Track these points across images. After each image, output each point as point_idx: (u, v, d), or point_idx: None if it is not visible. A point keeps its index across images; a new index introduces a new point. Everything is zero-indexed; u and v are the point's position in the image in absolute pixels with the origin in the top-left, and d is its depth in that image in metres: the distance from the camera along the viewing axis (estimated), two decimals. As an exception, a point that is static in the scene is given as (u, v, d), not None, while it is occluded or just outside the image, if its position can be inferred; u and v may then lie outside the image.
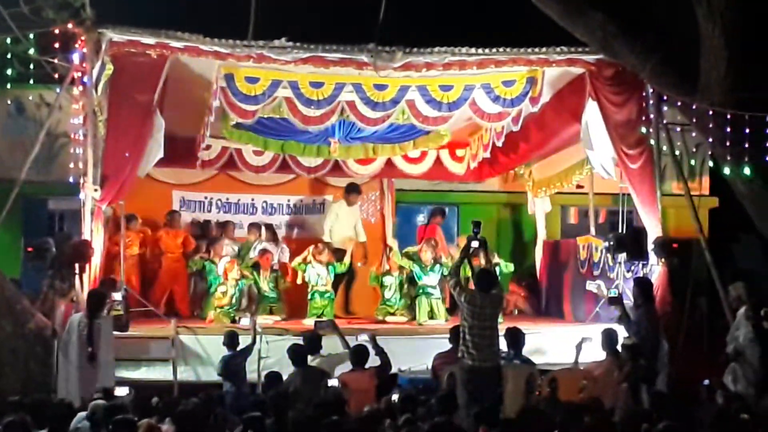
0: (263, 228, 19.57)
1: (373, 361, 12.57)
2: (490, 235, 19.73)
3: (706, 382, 11.78)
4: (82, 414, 10.11)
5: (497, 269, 17.39)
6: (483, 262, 13.30)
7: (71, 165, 14.28)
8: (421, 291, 17.45)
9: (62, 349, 13.05)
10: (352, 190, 19.59)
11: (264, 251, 18.28)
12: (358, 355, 12.44)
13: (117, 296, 14.12)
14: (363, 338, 12.92)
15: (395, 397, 10.50)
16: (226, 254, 18.11)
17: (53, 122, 15.63)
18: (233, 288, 17.18)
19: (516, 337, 12.77)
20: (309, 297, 17.52)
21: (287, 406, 10.03)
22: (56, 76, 14.53)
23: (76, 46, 13.94)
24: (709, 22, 12.77)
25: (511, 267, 18.17)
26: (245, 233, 19.65)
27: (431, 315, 17.28)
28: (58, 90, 14.63)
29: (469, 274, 14.73)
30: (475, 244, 12.86)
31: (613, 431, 9.26)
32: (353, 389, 11.65)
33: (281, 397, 10.47)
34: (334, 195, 20.93)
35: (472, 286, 12.73)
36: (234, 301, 17.19)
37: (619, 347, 12.26)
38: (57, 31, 13.89)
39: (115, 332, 13.43)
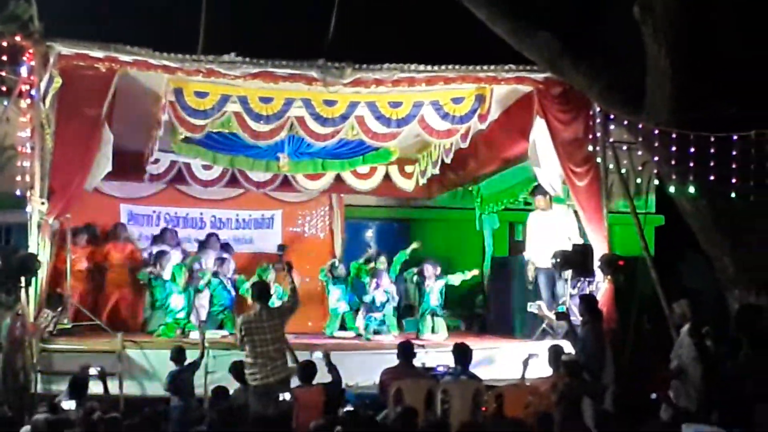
0: (214, 238, 19.52)
1: (321, 376, 12.56)
2: (438, 252, 19.93)
3: (654, 396, 11.87)
4: (27, 428, 10.07)
5: (444, 283, 17.64)
6: (290, 281, 13.97)
7: (18, 178, 14.12)
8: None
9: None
10: (536, 192, 17.42)
11: (222, 260, 18.34)
12: (306, 371, 12.42)
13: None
14: (317, 356, 12.90)
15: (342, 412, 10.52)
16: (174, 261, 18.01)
17: (0, 135, 15.52)
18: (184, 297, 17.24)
19: (463, 353, 12.83)
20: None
21: (235, 421, 10.01)
22: (4, 88, 14.43)
23: (24, 58, 13.85)
24: (654, 42, 12.86)
25: (457, 282, 18.23)
26: (192, 247, 19.58)
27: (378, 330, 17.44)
28: (5, 103, 14.50)
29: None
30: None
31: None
32: (302, 404, 11.66)
33: (229, 412, 10.45)
34: (282, 209, 21.00)
35: None
36: (184, 314, 17.20)
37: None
38: (5, 44, 13.78)
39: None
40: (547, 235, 16.96)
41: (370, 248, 19.44)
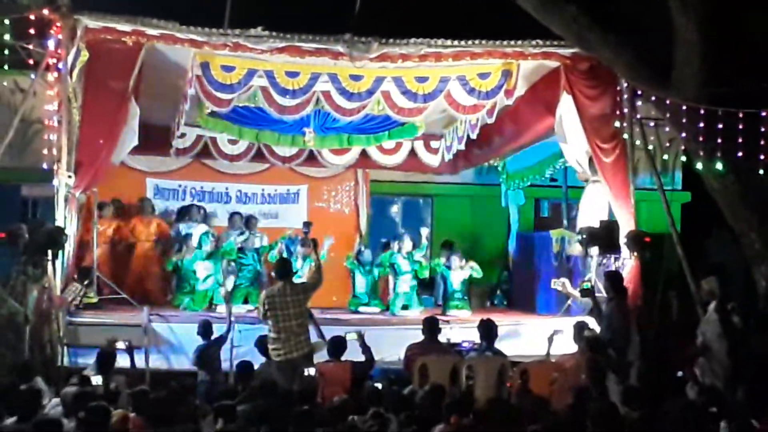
0: (237, 216, 19.53)
1: (350, 355, 12.52)
2: (463, 228, 19.96)
3: (680, 373, 11.82)
4: (56, 401, 10.13)
5: (470, 274, 17.66)
6: (315, 258, 14.25)
7: (45, 151, 14.17)
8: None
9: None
10: None
11: (247, 237, 18.41)
12: (336, 346, 12.40)
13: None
14: (351, 336, 12.85)
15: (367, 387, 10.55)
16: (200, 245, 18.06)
17: (27, 108, 15.50)
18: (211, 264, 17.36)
19: (489, 329, 12.80)
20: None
21: (262, 395, 10.02)
22: (31, 62, 14.41)
23: (52, 32, 13.86)
24: (682, 16, 12.79)
25: (480, 273, 18.28)
26: (218, 222, 19.63)
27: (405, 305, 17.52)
28: (32, 76, 14.52)
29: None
30: None
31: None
32: (329, 379, 11.67)
33: (257, 387, 10.49)
34: (308, 184, 21.01)
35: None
36: (212, 281, 17.30)
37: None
38: (32, 17, 13.80)
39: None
40: (587, 209, 16.76)
41: (397, 239, 19.19)
